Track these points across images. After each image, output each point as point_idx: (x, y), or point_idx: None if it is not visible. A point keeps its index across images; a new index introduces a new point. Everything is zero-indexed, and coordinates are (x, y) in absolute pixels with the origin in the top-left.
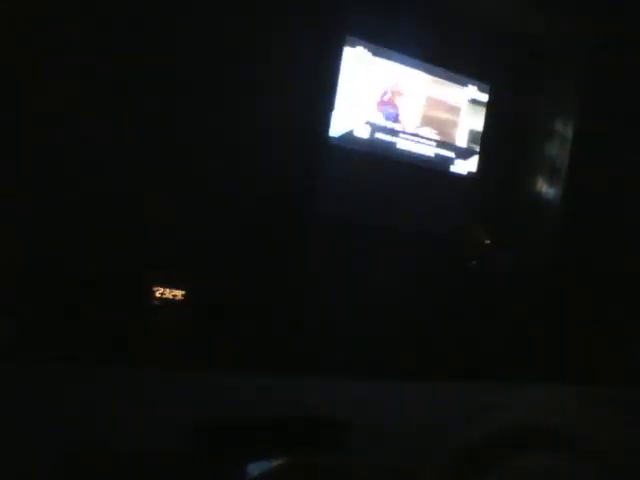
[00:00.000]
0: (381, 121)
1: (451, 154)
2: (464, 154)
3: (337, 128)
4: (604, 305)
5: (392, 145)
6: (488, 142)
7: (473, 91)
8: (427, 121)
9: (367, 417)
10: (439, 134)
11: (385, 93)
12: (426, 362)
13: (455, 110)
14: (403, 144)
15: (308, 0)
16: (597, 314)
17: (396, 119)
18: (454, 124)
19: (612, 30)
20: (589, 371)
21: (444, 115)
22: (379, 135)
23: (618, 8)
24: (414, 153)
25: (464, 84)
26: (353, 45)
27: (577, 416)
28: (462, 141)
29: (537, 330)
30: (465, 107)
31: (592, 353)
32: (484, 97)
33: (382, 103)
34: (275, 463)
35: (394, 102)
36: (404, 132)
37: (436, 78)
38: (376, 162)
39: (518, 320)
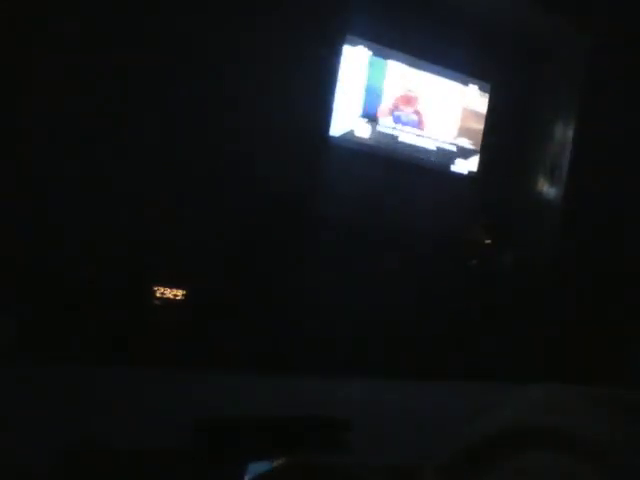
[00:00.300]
0: (382, 120)
1: (452, 151)
2: (465, 153)
3: (337, 127)
4: (604, 305)
5: (393, 144)
6: (488, 142)
7: (474, 90)
8: (429, 120)
9: (367, 417)
10: (441, 133)
11: (387, 92)
12: (426, 362)
13: (456, 109)
14: (403, 143)
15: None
16: (597, 314)
17: (398, 118)
18: (455, 123)
19: (612, 30)
20: (589, 371)
21: (446, 114)
22: (380, 135)
23: (618, 8)
24: (414, 152)
25: (465, 83)
26: (354, 44)
27: (577, 416)
28: (463, 140)
29: (537, 330)
30: (465, 107)
31: (592, 353)
32: (485, 96)
33: (383, 102)
34: (275, 463)
35: (396, 101)
36: (405, 131)
37: (438, 77)
38: (376, 161)
39: (518, 320)
